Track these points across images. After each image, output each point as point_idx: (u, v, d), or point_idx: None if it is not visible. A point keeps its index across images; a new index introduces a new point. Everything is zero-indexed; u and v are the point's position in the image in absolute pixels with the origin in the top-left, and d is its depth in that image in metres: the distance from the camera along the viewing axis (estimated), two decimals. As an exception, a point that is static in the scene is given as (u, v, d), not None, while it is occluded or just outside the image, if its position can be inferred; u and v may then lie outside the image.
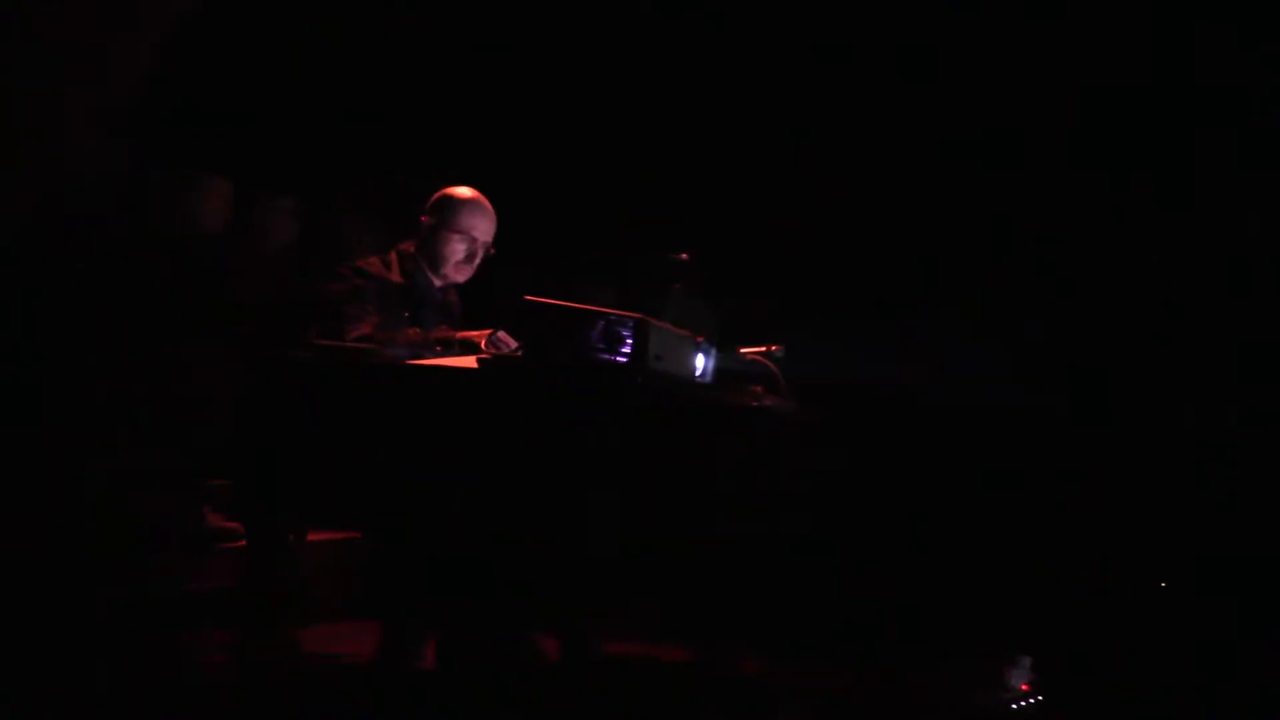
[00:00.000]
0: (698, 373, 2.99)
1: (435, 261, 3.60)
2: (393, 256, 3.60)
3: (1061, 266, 4.46)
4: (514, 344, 3.19)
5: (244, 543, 3.32)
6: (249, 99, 4.78)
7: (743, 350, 3.28)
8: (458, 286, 3.71)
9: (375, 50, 5.02)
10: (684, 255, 3.30)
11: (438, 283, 3.64)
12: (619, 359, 2.73)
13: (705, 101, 4.96)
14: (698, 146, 4.93)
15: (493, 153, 4.77)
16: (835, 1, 4.70)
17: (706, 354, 3.01)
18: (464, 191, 3.61)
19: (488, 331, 3.20)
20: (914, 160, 4.66)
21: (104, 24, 3.97)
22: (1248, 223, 4.23)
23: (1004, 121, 4.52)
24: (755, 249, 4.67)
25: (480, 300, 3.73)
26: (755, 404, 3.17)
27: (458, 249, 3.57)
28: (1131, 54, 4.30)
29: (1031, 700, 3.45)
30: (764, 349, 3.28)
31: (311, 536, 3.47)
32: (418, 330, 3.29)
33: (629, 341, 2.73)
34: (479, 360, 2.88)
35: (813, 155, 4.80)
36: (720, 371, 3.07)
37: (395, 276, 3.54)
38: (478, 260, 3.62)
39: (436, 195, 3.63)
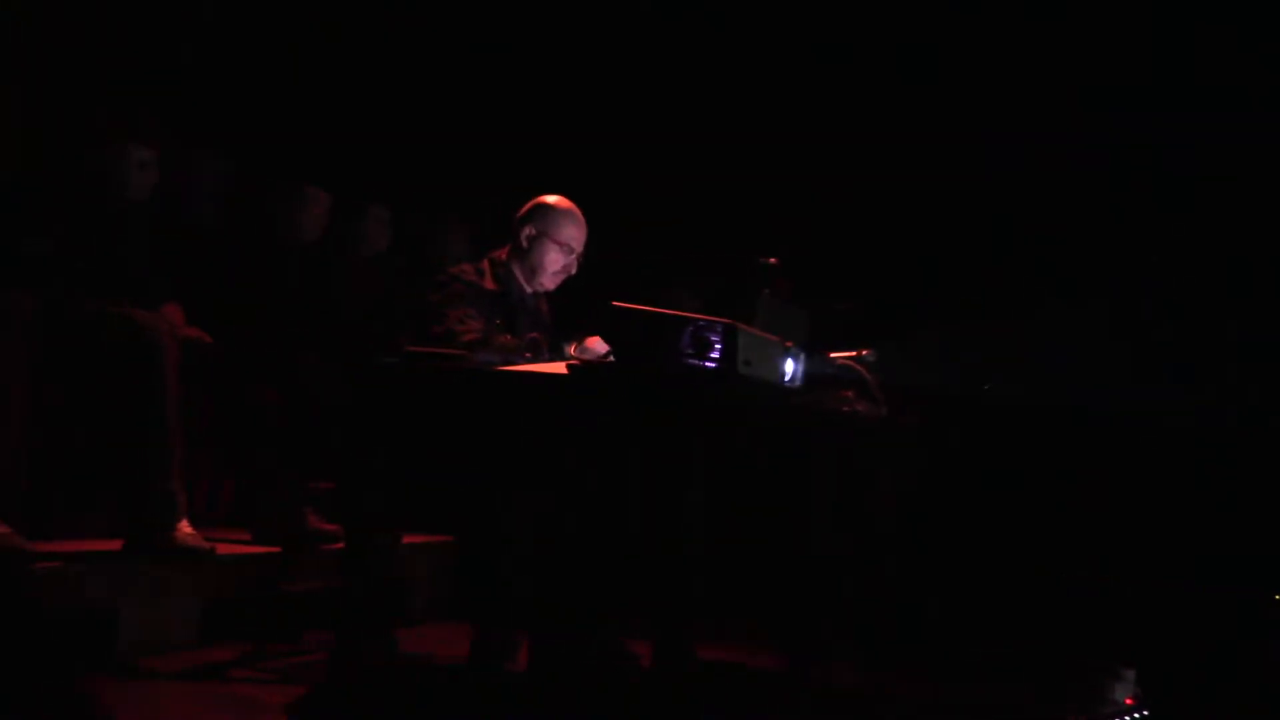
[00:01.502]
0: (787, 378, 2.94)
1: (532, 271, 3.60)
2: (485, 264, 3.60)
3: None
4: (603, 349, 3.19)
5: (342, 544, 3.35)
6: (346, 111, 4.90)
7: (833, 355, 3.24)
8: (547, 294, 3.72)
9: (460, 66, 5.10)
10: (773, 259, 3.26)
11: (529, 290, 3.65)
12: (708, 364, 2.69)
13: (793, 103, 5.03)
14: (788, 149, 4.96)
15: (578, 159, 4.82)
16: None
17: (796, 359, 2.96)
18: (563, 202, 3.61)
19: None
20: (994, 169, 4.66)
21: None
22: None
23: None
24: (846, 252, 4.66)
25: (569, 307, 3.76)
26: (846, 410, 3.13)
27: (557, 259, 3.58)
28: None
29: (1135, 715, 3.35)
30: (855, 353, 3.24)
31: (406, 539, 3.50)
32: (510, 336, 3.30)
33: (718, 347, 2.69)
34: (568, 366, 2.87)
35: (904, 159, 4.79)
36: (810, 377, 3.03)
37: (488, 284, 3.55)
38: (573, 271, 3.63)
39: (532, 204, 3.62)
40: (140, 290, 3.59)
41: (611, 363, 2.86)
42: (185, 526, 3.31)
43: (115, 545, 3.36)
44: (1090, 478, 4.38)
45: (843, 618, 3.39)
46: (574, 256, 3.61)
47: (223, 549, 3.45)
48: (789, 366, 2.95)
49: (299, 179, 4.37)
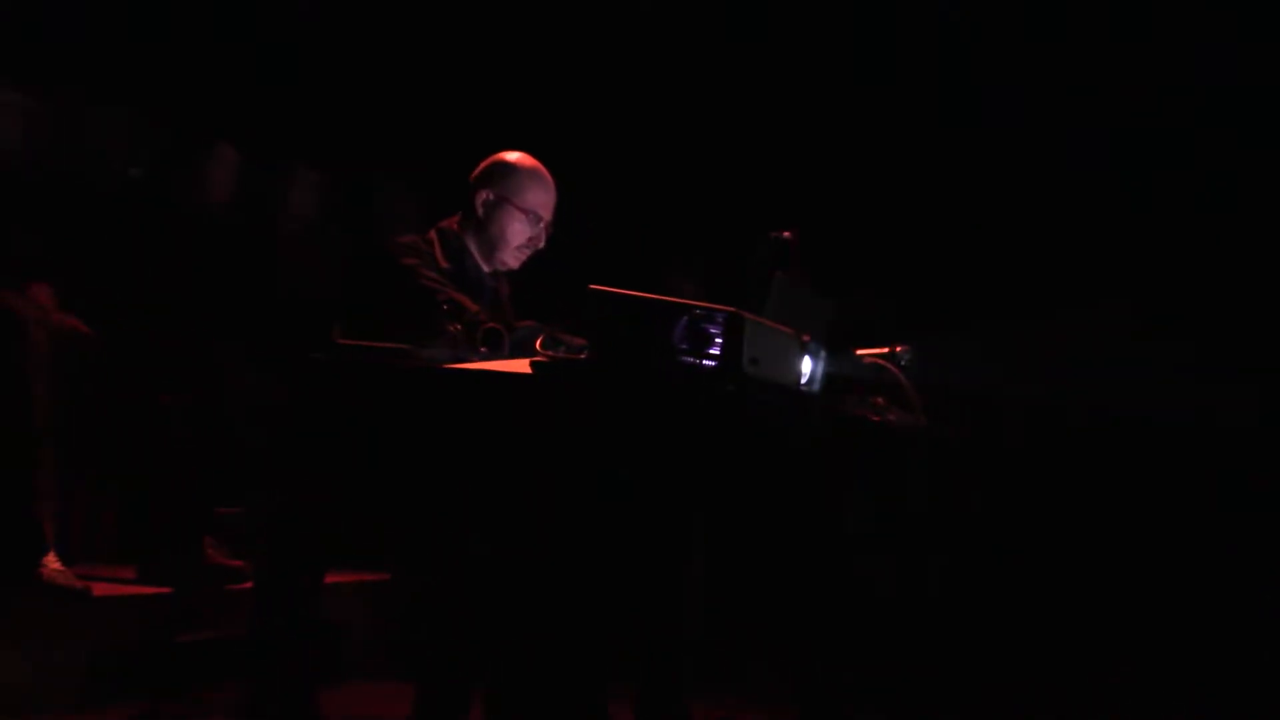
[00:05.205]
0: (803, 379, 2.65)
1: (491, 244, 3.29)
2: (433, 236, 3.24)
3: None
4: (576, 343, 2.78)
5: (250, 584, 3.10)
6: (268, 58, 4.59)
7: (860, 352, 2.93)
8: (509, 273, 3.39)
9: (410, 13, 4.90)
10: (787, 234, 2.93)
11: (487, 268, 3.31)
12: (706, 362, 2.42)
13: (825, 78, 4.88)
14: (813, 122, 4.80)
15: (550, 112, 4.60)
16: None
17: (814, 356, 2.67)
18: (527, 160, 3.31)
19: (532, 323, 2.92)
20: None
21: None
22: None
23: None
24: (876, 231, 4.51)
25: (535, 289, 3.44)
26: (875, 418, 2.85)
27: (521, 231, 3.28)
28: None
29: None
30: (886, 350, 2.93)
31: (332, 578, 3.17)
32: (459, 326, 2.92)
33: (718, 341, 2.42)
34: (533, 363, 2.56)
35: (937, 131, 4.67)
36: (832, 378, 2.73)
37: (439, 261, 3.20)
38: (540, 244, 3.32)
39: (489, 162, 3.30)
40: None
41: (586, 360, 2.55)
42: (53, 561, 3.04)
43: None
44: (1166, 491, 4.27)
45: (865, 663, 3.18)
46: (541, 227, 3.30)
47: (101, 590, 3.16)
48: (806, 365, 2.66)
49: (208, 134, 4.09)
